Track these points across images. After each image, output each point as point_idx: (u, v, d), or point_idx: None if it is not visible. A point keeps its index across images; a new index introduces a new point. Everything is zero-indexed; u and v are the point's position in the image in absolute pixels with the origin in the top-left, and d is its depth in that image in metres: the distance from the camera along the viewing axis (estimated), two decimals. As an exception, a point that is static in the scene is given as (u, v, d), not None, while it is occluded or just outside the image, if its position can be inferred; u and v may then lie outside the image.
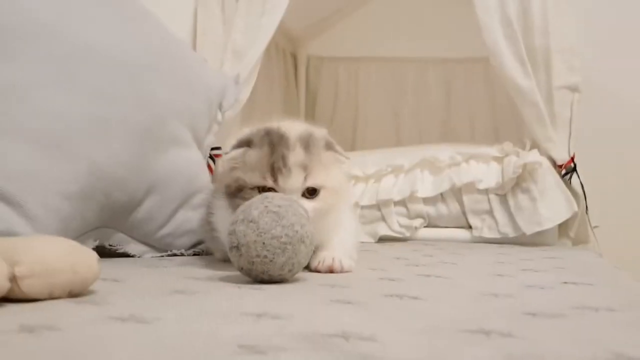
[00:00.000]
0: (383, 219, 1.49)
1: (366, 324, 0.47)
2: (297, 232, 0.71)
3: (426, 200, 1.49)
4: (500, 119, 2.09)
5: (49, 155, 0.85)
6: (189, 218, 1.10)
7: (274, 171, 0.80)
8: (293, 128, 0.84)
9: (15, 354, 0.38)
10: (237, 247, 0.71)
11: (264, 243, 0.69)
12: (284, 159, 0.80)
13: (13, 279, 0.54)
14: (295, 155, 0.80)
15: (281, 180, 0.79)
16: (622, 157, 2.02)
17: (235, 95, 1.44)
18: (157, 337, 0.43)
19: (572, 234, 1.48)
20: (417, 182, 1.49)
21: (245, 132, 0.86)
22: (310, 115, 2.41)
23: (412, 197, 1.49)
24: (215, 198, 0.95)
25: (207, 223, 1.00)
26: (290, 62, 2.33)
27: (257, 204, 0.72)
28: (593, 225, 1.49)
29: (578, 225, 1.48)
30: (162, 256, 1.07)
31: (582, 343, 0.43)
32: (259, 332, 0.44)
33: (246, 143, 0.84)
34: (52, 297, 0.58)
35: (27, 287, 0.55)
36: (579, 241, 1.49)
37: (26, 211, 0.82)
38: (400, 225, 1.48)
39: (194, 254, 1.11)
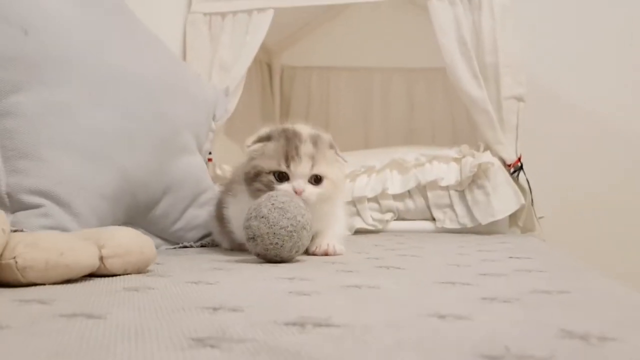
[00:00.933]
0: (358, 213, 1.69)
1: (370, 281, 0.67)
2: (299, 221, 0.90)
3: (395, 197, 1.69)
4: (458, 123, 2.30)
5: (90, 163, 1.02)
6: (197, 215, 1.28)
7: (287, 158, 0.98)
8: (305, 128, 1.04)
9: (135, 302, 0.56)
10: (254, 238, 0.90)
11: (274, 233, 0.88)
12: (296, 149, 0.98)
13: (100, 258, 0.72)
14: (306, 148, 0.99)
15: (293, 166, 0.98)
16: (565, 157, 2.30)
17: (225, 106, 1.63)
18: (228, 291, 0.61)
19: (520, 223, 1.70)
20: (387, 181, 1.69)
21: (264, 130, 1.04)
22: (285, 120, 2.58)
23: (383, 194, 1.69)
24: (226, 195, 1.13)
25: (217, 217, 1.18)
26: (265, 71, 2.50)
27: (265, 202, 0.91)
28: (538, 216, 1.72)
29: (525, 216, 1.70)
30: (175, 248, 1.24)
31: (515, 287, 0.64)
32: (298, 286, 0.64)
33: (266, 138, 1.02)
34: (126, 273, 0.76)
35: (110, 265, 0.73)
36: (527, 229, 1.72)
37: (73, 210, 0.98)
38: (373, 219, 1.69)
39: (201, 246, 1.29)
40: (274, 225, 0.88)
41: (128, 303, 0.54)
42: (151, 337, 0.40)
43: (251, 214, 0.91)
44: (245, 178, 1.02)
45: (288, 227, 0.89)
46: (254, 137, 1.03)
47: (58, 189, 0.97)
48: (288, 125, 1.04)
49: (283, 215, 0.89)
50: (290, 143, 0.99)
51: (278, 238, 0.88)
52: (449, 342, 0.39)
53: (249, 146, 1.02)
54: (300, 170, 0.98)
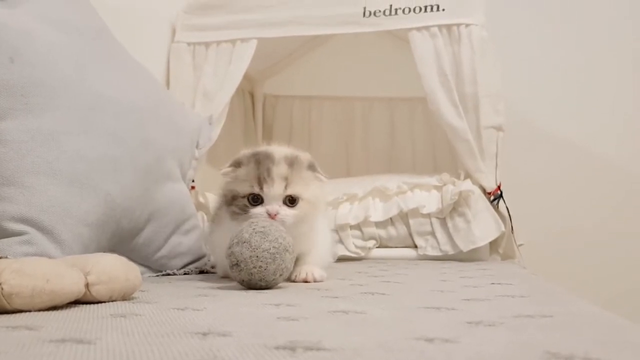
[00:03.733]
0: (341, 241, 1.70)
1: (357, 307, 0.68)
2: (281, 243, 0.91)
3: (378, 224, 1.71)
4: (438, 151, 2.34)
5: (75, 190, 1.02)
6: (181, 242, 1.28)
7: (260, 181, 0.99)
8: (280, 150, 1.05)
9: (122, 327, 0.56)
10: (237, 264, 0.90)
11: (257, 256, 0.89)
12: (268, 171, 0.99)
13: (86, 285, 0.72)
14: (279, 169, 1.00)
15: (266, 188, 0.99)
16: (544, 186, 2.35)
17: (209, 134, 1.64)
18: (216, 317, 0.62)
19: (500, 250, 1.72)
20: (369, 208, 1.70)
21: (237, 155, 1.06)
22: (266, 144, 2.60)
23: (365, 222, 1.70)
24: (212, 223, 1.14)
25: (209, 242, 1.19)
26: (248, 100, 2.52)
27: (246, 228, 0.92)
28: (518, 243, 1.75)
29: (505, 243, 1.72)
30: (157, 275, 1.24)
31: (499, 311, 0.65)
32: (285, 312, 0.64)
33: (236, 164, 1.03)
34: (111, 300, 0.75)
35: (96, 291, 0.73)
36: (507, 256, 1.74)
37: (56, 237, 0.98)
38: (356, 247, 1.69)
39: (184, 274, 1.28)
40: (257, 249, 0.89)
41: (116, 329, 0.54)
42: (143, 361, 0.41)
43: (233, 240, 0.91)
44: (224, 200, 1.04)
45: (270, 249, 0.89)
46: (228, 163, 1.05)
47: (42, 216, 0.96)
48: (262, 148, 1.05)
49: (265, 239, 0.90)
50: (262, 165, 1.00)
51: (262, 261, 0.89)
52: (438, 364, 0.39)
53: (222, 171, 1.04)
54: (273, 192, 0.99)
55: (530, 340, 0.47)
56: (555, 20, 2.43)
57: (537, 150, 2.38)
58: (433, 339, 0.47)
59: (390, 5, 1.73)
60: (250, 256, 0.89)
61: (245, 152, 1.06)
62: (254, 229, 0.91)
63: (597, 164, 2.36)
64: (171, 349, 0.44)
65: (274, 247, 0.89)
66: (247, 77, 2.40)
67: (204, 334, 0.50)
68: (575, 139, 2.38)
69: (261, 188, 0.99)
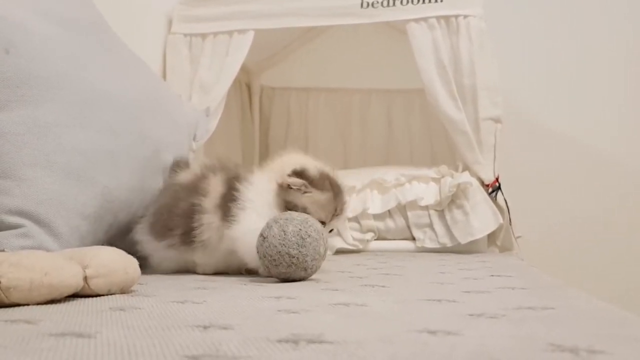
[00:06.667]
0: (339, 233, 1.70)
1: (357, 299, 0.67)
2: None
3: (376, 216, 1.70)
4: (436, 143, 2.33)
5: (72, 183, 1.01)
6: (178, 235, 1.27)
7: (335, 213, 1.01)
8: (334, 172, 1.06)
9: (123, 321, 0.56)
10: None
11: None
12: (344, 206, 1.03)
13: (84, 278, 0.72)
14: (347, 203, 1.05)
15: (335, 221, 1.02)
16: (542, 178, 2.35)
17: (206, 126, 1.64)
18: (216, 310, 0.61)
19: (499, 242, 1.71)
20: (367, 201, 1.70)
21: (304, 167, 1.01)
22: (264, 140, 2.59)
23: (363, 214, 1.69)
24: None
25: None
26: (245, 92, 2.51)
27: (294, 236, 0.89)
28: (516, 235, 1.75)
29: (504, 235, 1.72)
30: (154, 268, 1.23)
31: (500, 304, 0.65)
32: (285, 304, 0.64)
33: (312, 183, 0.99)
34: (110, 293, 0.75)
35: (94, 285, 0.72)
36: (505, 249, 1.73)
37: (53, 230, 0.97)
38: (354, 239, 1.69)
39: (182, 266, 1.27)
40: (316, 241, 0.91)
41: (116, 322, 0.53)
42: (144, 355, 0.40)
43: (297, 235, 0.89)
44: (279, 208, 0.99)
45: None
46: (289, 172, 1.00)
47: (39, 209, 0.96)
48: (327, 169, 1.03)
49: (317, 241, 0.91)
50: (339, 198, 1.01)
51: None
52: (442, 356, 0.39)
53: (291, 180, 0.99)
54: (337, 224, 1.03)
55: (533, 332, 0.47)
56: (552, 15, 2.42)
57: (535, 143, 2.38)
58: (435, 332, 0.47)
59: (388, -3, 1.73)
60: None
61: (309, 167, 1.01)
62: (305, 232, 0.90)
63: (594, 158, 2.36)
64: (173, 342, 0.44)
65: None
66: (244, 69, 2.39)
67: (205, 327, 0.50)
68: (573, 132, 2.38)
69: (330, 220, 1.01)
